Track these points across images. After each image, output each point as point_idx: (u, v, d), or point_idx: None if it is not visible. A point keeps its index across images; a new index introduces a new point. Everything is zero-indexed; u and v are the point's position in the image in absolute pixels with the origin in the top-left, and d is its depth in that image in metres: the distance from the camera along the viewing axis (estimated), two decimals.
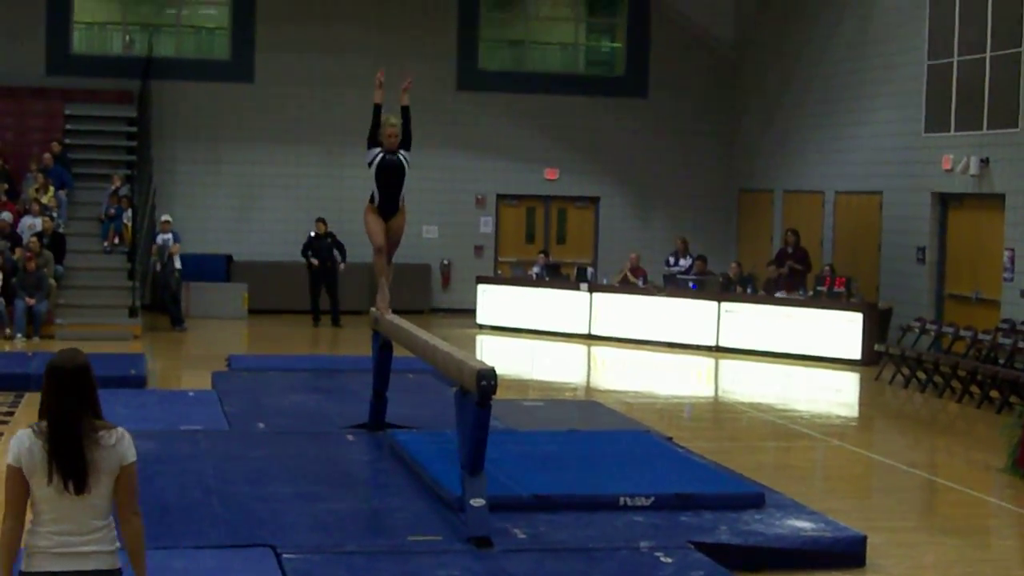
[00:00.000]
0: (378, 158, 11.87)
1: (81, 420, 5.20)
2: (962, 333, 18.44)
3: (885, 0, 22.64)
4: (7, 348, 20.14)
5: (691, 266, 23.67)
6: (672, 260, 24.21)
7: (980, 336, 18.00)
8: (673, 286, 22.96)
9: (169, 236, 23.08)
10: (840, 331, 20.88)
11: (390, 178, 11.90)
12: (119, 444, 5.26)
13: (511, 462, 10.83)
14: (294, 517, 9.41)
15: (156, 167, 25.27)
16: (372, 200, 12.02)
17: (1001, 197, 19.54)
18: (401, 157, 11.88)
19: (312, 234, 24.54)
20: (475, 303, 24.57)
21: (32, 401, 14.96)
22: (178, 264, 23.03)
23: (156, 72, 25.57)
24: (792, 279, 22.46)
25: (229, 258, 26.00)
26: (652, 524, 9.51)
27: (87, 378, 5.26)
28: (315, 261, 24.25)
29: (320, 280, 24.41)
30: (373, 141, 11.96)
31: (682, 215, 27.73)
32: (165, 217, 23.49)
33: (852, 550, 9.32)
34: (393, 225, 12.08)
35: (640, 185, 27.87)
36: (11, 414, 14.35)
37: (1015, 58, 19.13)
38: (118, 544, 5.31)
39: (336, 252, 24.37)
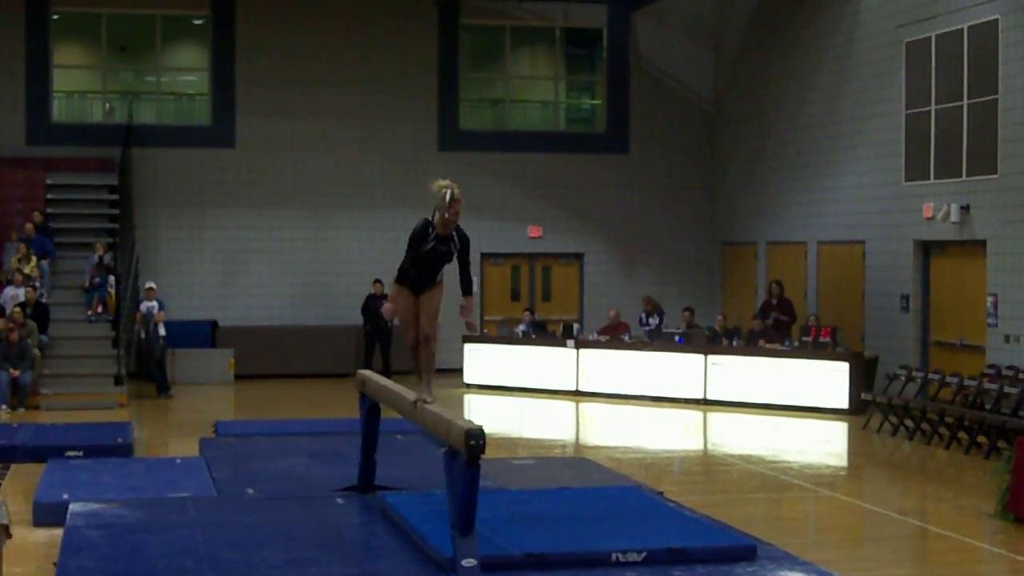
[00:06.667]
0: (430, 245, 10.39)
1: None
2: (948, 380, 18.48)
3: (862, 51, 22.80)
4: None
5: (660, 322, 23.72)
6: (643, 318, 24.19)
7: (966, 382, 18.03)
8: (659, 340, 22.96)
9: (154, 303, 23.03)
10: (827, 381, 20.90)
11: (434, 265, 10.53)
12: None
13: (502, 521, 10.78)
14: None
15: (139, 234, 25.25)
16: (401, 277, 10.64)
17: (983, 243, 19.63)
18: (453, 247, 10.44)
19: (370, 294, 25.02)
20: (462, 362, 24.53)
21: (18, 472, 14.90)
22: (163, 331, 22.98)
23: (137, 139, 25.62)
24: (777, 330, 22.48)
25: (214, 324, 25.96)
26: None
27: None
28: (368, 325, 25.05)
29: (375, 340, 25.15)
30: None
31: (666, 269, 27.79)
32: (149, 284, 23.44)
33: None
34: (429, 296, 10.64)
35: (623, 240, 27.92)
36: None
37: (992, 105, 19.27)
38: None
39: None
